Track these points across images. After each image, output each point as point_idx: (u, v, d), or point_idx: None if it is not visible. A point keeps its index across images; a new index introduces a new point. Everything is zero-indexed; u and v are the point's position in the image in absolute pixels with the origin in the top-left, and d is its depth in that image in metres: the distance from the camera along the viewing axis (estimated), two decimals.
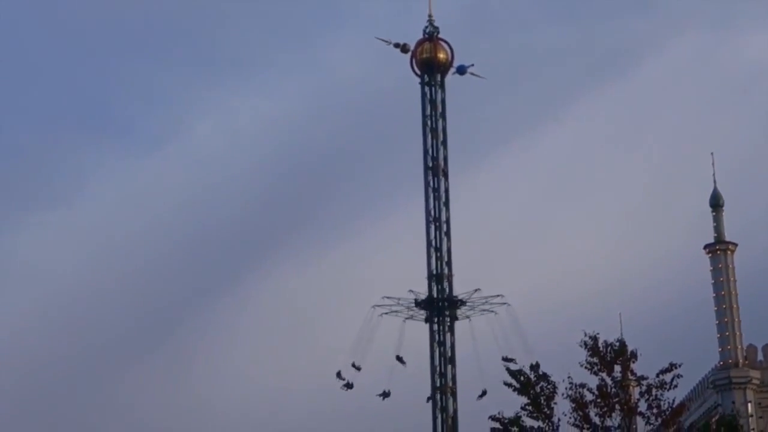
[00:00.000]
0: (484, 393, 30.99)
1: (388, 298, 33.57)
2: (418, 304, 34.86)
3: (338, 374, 34.93)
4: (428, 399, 33.66)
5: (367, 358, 33.97)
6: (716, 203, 38.21)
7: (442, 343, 35.03)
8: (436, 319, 35.21)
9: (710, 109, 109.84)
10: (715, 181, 38.14)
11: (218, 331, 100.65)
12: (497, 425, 30.48)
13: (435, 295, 35.09)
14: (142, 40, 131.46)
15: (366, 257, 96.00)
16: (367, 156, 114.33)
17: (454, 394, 34.25)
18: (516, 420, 30.06)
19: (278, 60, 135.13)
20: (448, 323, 35.22)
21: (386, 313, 34.34)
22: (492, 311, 33.98)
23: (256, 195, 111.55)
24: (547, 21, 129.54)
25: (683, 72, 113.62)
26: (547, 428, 29.72)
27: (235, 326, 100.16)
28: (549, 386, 30.02)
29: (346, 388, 35.43)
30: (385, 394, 36.15)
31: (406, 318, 35.05)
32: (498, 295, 33.68)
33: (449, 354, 34.96)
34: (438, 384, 34.73)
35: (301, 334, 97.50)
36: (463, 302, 35.91)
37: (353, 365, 34.20)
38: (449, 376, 35.06)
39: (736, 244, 37.43)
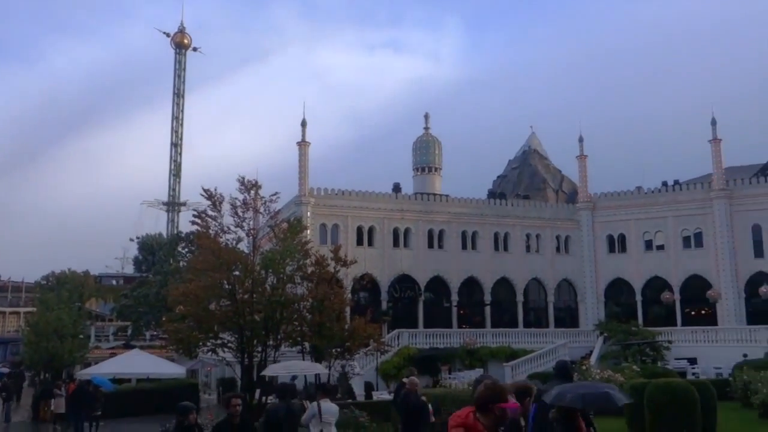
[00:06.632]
0: None
1: (157, 199, 68.12)
2: (163, 203, 70.39)
3: (133, 239, 68.75)
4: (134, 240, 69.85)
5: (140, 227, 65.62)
6: (302, 124, 67.12)
7: (172, 220, 69.78)
8: (170, 211, 70.94)
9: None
10: (304, 119, 65.46)
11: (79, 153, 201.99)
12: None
13: (171, 199, 70.20)
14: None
15: (136, 146, 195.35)
16: (146, 87, 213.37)
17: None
18: (204, 210, 53.94)
19: (100, 31, 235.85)
20: (177, 212, 70.94)
21: (147, 205, 68.12)
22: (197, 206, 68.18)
23: (84, 101, 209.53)
24: (233, 27, 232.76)
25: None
26: (219, 216, 50.94)
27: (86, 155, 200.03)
28: (220, 198, 51.19)
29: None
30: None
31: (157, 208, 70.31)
32: (198, 202, 67.68)
33: (177, 227, 69.25)
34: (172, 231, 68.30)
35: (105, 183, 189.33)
36: (183, 203, 71.76)
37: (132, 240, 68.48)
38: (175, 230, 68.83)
39: (309, 143, 64.42)
